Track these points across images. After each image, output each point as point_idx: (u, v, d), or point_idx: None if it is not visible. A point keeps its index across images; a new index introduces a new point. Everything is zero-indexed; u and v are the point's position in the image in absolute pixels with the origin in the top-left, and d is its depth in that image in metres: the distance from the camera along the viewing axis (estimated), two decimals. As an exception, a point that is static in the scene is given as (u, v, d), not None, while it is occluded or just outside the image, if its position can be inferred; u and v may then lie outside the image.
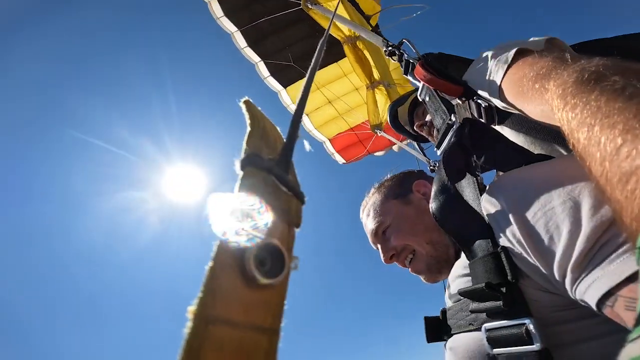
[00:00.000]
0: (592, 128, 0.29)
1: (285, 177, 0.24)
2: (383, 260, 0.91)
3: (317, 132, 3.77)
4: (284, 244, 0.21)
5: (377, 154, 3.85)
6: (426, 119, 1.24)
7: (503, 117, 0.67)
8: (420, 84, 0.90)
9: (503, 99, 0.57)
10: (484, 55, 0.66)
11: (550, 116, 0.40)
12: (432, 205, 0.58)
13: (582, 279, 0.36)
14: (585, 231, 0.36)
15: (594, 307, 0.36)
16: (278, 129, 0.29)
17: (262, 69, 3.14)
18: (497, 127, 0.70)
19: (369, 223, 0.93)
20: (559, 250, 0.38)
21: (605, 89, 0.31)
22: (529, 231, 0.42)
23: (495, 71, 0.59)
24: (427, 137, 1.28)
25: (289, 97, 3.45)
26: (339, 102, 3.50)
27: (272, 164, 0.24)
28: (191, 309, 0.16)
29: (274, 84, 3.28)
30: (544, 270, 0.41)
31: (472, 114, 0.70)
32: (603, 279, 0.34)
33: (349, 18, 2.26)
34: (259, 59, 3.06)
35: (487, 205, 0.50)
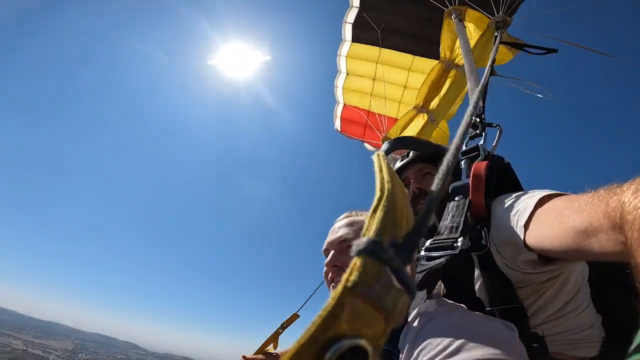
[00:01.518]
0: None
1: (403, 272, 0.22)
2: (325, 263, 0.96)
3: (340, 91, 3.69)
4: (374, 343, 0.20)
5: (368, 146, 4.08)
6: (423, 186, 1.06)
7: (485, 265, 0.71)
8: (465, 178, 0.87)
9: (528, 226, 0.61)
10: (526, 193, 0.69)
11: (593, 230, 0.47)
12: None
13: None
14: None
15: None
16: (407, 194, 0.26)
17: (351, 15, 2.81)
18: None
19: (341, 229, 0.98)
20: None
21: None
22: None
23: (524, 207, 0.63)
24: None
25: (347, 50, 3.21)
26: (381, 85, 3.44)
27: (391, 256, 0.22)
28: None
29: (347, 31, 2.99)
30: None
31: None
32: None
33: (471, 50, 2.18)
34: (358, 4, 2.70)
35: (410, 321, 0.65)
